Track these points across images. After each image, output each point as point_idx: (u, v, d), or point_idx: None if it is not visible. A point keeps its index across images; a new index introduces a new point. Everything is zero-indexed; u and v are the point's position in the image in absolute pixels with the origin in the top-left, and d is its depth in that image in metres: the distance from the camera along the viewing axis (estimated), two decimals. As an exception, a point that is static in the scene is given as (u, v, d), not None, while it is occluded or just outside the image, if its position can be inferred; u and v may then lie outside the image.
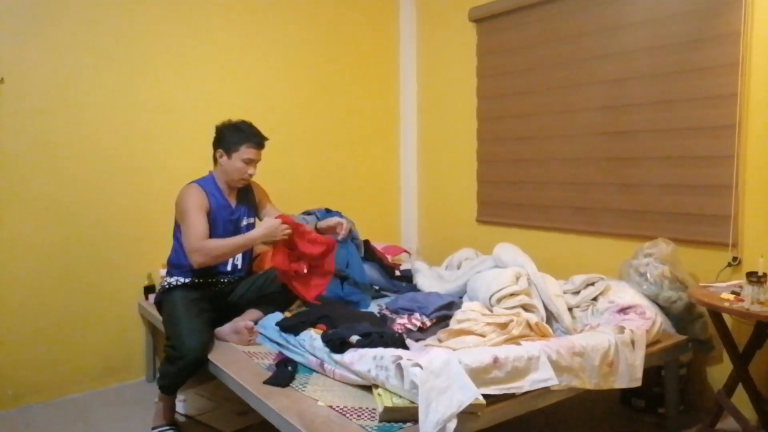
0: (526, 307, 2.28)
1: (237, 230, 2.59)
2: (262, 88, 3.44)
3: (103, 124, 2.93)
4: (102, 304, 2.99)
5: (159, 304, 2.55)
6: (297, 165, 3.60)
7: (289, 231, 2.45)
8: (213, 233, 2.49)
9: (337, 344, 1.98)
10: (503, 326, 2.06)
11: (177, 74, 3.12)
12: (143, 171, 3.04)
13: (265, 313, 2.51)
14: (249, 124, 2.55)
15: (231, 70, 3.31)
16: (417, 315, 2.37)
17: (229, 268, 2.59)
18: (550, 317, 2.33)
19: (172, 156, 3.09)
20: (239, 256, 2.60)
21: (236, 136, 2.50)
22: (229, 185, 2.57)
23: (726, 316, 2.22)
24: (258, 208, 2.72)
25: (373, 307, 2.69)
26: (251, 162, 2.52)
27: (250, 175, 2.55)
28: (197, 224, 2.39)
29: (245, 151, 2.49)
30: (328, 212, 3.20)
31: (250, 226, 2.65)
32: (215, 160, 2.57)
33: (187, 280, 2.50)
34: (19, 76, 2.70)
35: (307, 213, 3.19)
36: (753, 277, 2.02)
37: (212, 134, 2.59)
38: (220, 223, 2.52)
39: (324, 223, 2.74)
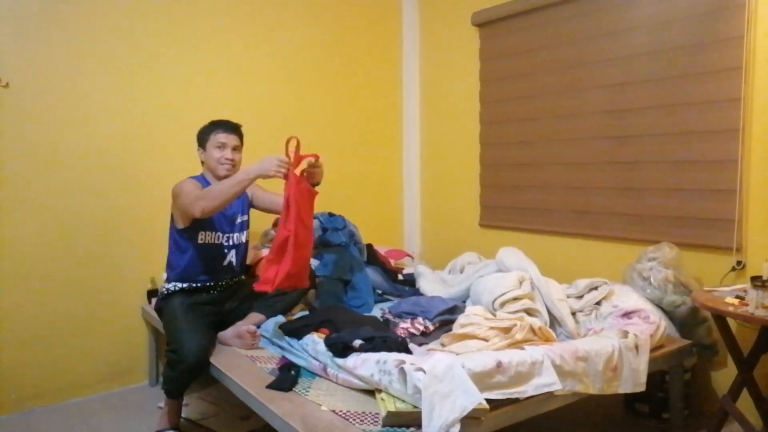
0: (529, 312, 2.27)
1: (232, 227, 2.60)
2: (266, 93, 3.45)
3: (106, 129, 2.94)
4: (105, 308, 2.99)
5: (159, 310, 2.56)
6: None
7: (283, 167, 2.25)
8: (210, 228, 2.53)
9: (340, 348, 1.98)
10: (506, 330, 2.05)
11: (180, 79, 3.14)
12: (146, 175, 3.05)
13: (268, 317, 2.51)
14: (219, 119, 2.62)
15: (234, 76, 3.32)
16: (420, 319, 2.37)
17: (224, 263, 2.60)
18: (554, 321, 2.32)
19: (175, 160, 3.09)
20: (233, 257, 2.62)
21: (206, 128, 2.60)
22: (218, 180, 2.58)
23: (730, 321, 2.21)
24: (252, 201, 2.73)
25: (376, 312, 2.68)
26: (224, 146, 2.54)
27: (228, 160, 2.54)
28: (195, 190, 2.40)
29: (215, 138, 2.55)
30: (332, 216, 3.20)
31: (245, 224, 2.67)
32: (202, 163, 2.63)
33: (185, 285, 2.50)
34: (24, 80, 2.72)
35: (310, 217, 3.19)
36: (757, 282, 2.01)
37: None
38: (216, 219, 2.54)
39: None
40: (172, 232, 2.56)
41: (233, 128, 2.60)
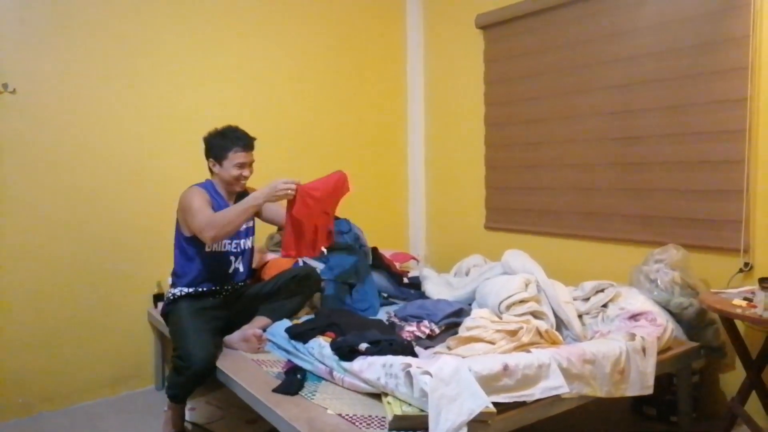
0: (535, 314, 2.26)
1: (238, 233, 2.58)
2: (270, 96, 3.46)
3: (111, 134, 2.95)
4: (112, 313, 3.00)
5: (165, 316, 2.56)
6: (305, 172, 3.57)
7: (290, 187, 2.36)
8: None
9: (346, 352, 1.98)
10: (513, 333, 2.05)
11: (184, 84, 3.15)
12: (152, 180, 3.06)
13: (274, 320, 2.51)
14: (234, 128, 2.56)
15: (238, 81, 3.33)
16: (426, 322, 2.36)
17: (230, 270, 2.60)
18: (560, 324, 2.31)
19: (180, 164, 3.10)
20: (240, 263, 2.62)
21: (223, 142, 2.52)
22: (228, 191, 2.58)
23: (738, 323, 2.20)
24: (258, 211, 2.72)
25: (382, 315, 2.68)
26: (243, 165, 2.53)
27: (246, 177, 2.56)
28: (204, 210, 2.38)
29: (234, 156, 2.51)
30: (336, 219, 3.20)
31: (249, 231, 2.67)
32: (210, 170, 2.59)
33: (191, 290, 2.50)
34: (30, 87, 2.73)
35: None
36: (765, 283, 2.00)
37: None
38: None
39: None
40: (178, 240, 2.55)
41: (252, 145, 2.56)
